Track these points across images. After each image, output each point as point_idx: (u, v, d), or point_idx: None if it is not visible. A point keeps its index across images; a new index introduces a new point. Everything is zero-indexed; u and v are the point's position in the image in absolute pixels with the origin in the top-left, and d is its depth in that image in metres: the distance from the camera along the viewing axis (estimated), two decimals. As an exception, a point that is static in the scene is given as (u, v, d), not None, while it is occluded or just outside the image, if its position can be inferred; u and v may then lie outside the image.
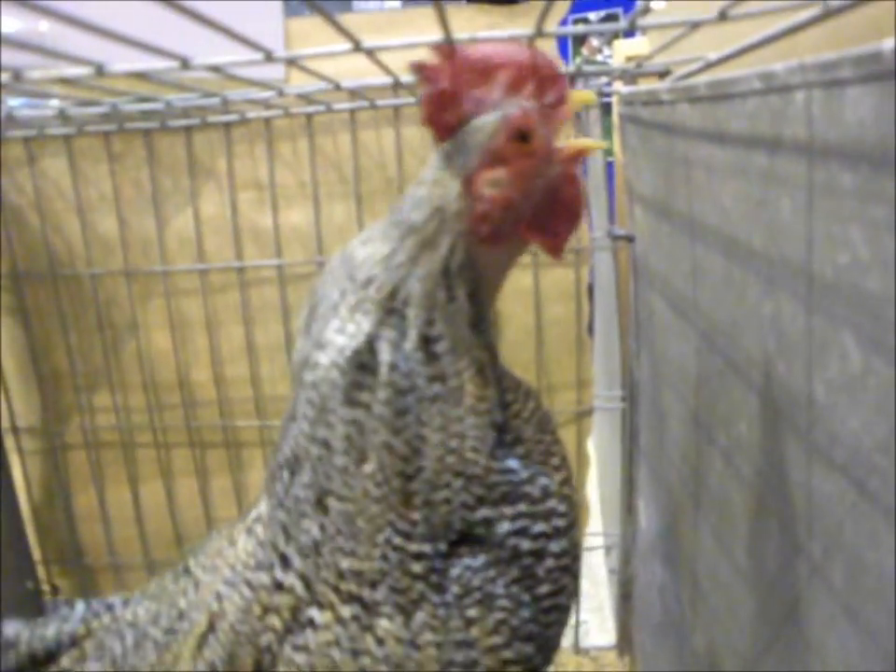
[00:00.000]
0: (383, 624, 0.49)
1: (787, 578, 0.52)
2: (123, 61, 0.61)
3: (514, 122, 0.49)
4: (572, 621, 1.27)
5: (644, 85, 0.94)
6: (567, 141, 0.52)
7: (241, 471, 1.24)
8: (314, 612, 0.50)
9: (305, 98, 1.01)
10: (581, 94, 0.53)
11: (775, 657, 0.55)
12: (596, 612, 1.39)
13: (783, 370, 0.51)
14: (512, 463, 0.51)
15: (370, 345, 0.49)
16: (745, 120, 0.54)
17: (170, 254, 1.15)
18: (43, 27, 0.88)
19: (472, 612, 0.49)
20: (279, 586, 0.52)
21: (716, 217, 0.63)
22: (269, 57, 0.60)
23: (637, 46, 0.98)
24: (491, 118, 0.49)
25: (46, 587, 1.25)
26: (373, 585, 0.49)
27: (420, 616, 0.49)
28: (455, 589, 0.49)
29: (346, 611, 0.50)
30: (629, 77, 0.95)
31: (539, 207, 0.52)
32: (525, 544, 0.50)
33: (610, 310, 1.19)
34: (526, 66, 0.49)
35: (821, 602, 0.46)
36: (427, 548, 0.49)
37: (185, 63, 0.60)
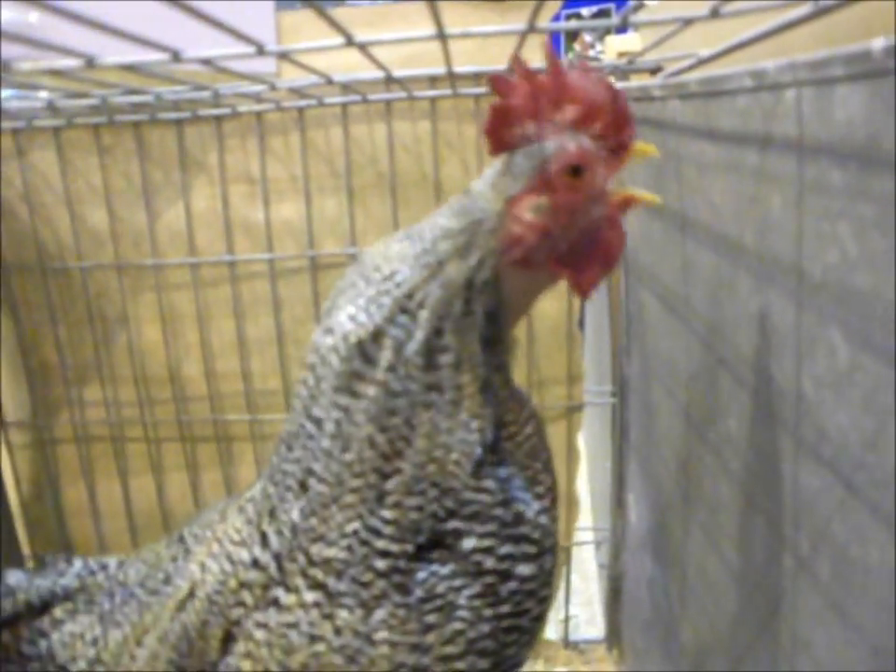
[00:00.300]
0: (343, 615, 0.50)
1: (774, 572, 0.52)
2: (113, 53, 0.60)
3: (570, 155, 0.49)
4: (562, 615, 1.28)
5: (636, 81, 0.94)
6: (622, 188, 0.52)
7: (231, 465, 1.24)
8: (280, 592, 0.52)
9: (297, 92, 1.01)
10: (645, 147, 0.52)
11: (762, 651, 0.55)
12: (586, 606, 1.39)
13: (772, 366, 0.51)
14: (490, 484, 0.51)
15: (375, 338, 0.50)
16: (736, 117, 0.55)
17: (161, 247, 1.15)
18: (32, 18, 0.88)
19: (431, 618, 0.50)
20: (255, 563, 0.53)
21: (707, 213, 0.63)
22: (261, 51, 0.60)
23: (629, 42, 0.98)
24: (549, 145, 0.50)
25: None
26: (339, 575, 0.50)
27: (380, 613, 0.50)
28: (418, 592, 0.50)
29: (310, 597, 0.51)
30: (621, 73, 0.95)
31: (575, 244, 0.52)
32: (489, 562, 0.51)
33: (601, 305, 1.20)
34: (600, 106, 0.50)
35: (808, 596, 0.46)
36: (393, 546, 0.50)
37: (176, 56, 0.60)
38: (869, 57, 0.35)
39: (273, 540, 0.53)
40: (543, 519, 0.54)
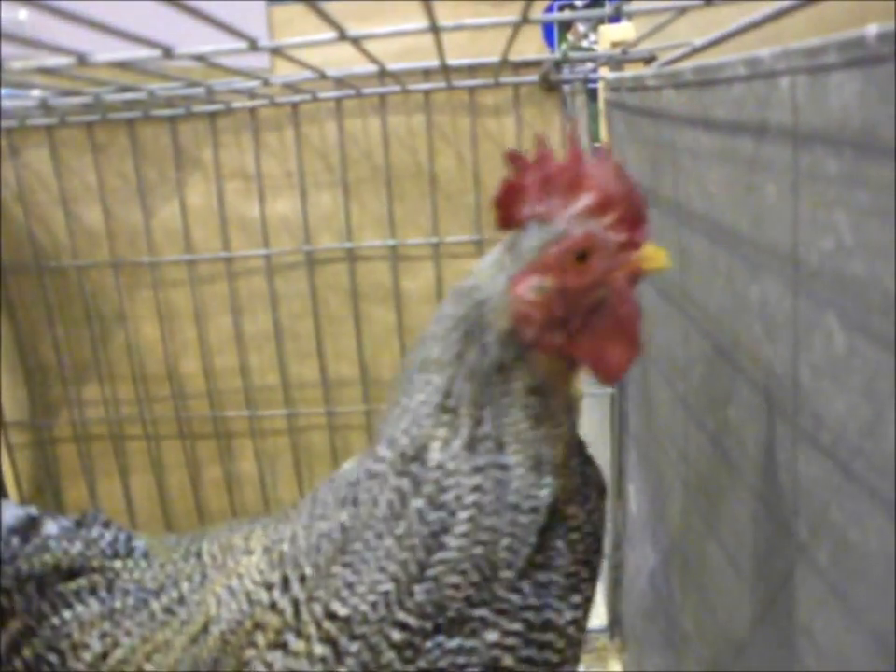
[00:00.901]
0: None
1: (774, 559, 0.52)
2: (105, 50, 0.60)
3: (575, 240, 0.49)
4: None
5: (630, 71, 0.94)
6: (630, 258, 0.50)
7: (231, 462, 1.24)
8: (290, 637, 0.52)
9: (291, 87, 1.01)
10: (656, 252, 0.50)
11: (763, 637, 0.55)
12: (588, 596, 1.40)
13: (770, 353, 0.51)
14: (525, 587, 0.51)
15: (424, 446, 0.51)
16: (730, 106, 0.54)
17: (157, 245, 1.14)
18: (22, 16, 0.87)
19: None
20: (273, 606, 0.53)
21: (702, 202, 0.63)
22: (253, 46, 0.59)
23: (623, 31, 0.98)
24: (556, 227, 0.49)
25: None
26: (352, 636, 0.50)
27: None
28: (421, 663, 0.49)
29: (319, 650, 0.51)
30: (615, 63, 0.95)
31: (588, 325, 0.51)
32: (508, 660, 0.50)
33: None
34: (614, 200, 0.49)
35: (808, 582, 0.47)
36: (412, 620, 0.50)
37: (168, 52, 0.59)
38: (863, 43, 0.35)
39: (295, 586, 0.53)
40: (572, 630, 0.52)
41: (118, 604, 0.62)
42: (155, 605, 0.60)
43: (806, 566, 0.47)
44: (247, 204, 1.13)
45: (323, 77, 0.91)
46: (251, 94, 1.03)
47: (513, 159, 0.51)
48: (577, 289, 0.50)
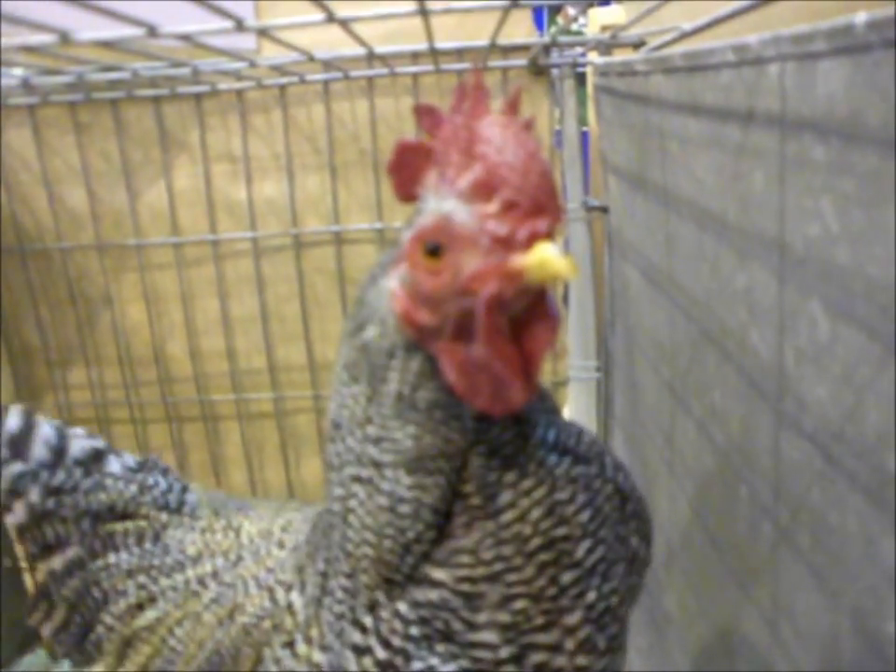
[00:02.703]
0: None
1: (756, 542, 0.53)
2: (88, 28, 0.59)
3: (420, 231, 0.39)
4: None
5: (619, 56, 0.93)
6: (505, 261, 0.37)
7: (218, 445, 1.24)
8: (299, 637, 0.51)
9: (278, 69, 1.00)
10: (550, 259, 0.35)
11: (744, 617, 0.56)
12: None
13: (755, 339, 0.52)
14: (490, 637, 0.42)
15: (347, 426, 0.48)
16: (719, 92, 0.54)
17: (143, 227, 1.13)
18: (3, -8, 0.85)
19: None
20: (290, 607, 0.53)
21: (690, 188, 0.64)
22: (240, 26, 0.59)
23: (613, 15, 0.98)
24: (424, 207, 0.40)
25: (24, 564, 1.25)
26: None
27: None
28: None
29: (316, 657, 0.49)
30: (604, 47, 0.95)
31: (462, 345, 0.40)
32: None
33: (585, 281, 1.20)
34: (504, 176, 0.37)
35: (789, 564, 0.47)
36: (395, 641, 0.45)
37: (153, 31, 0.58)
38: (852, 31, 0.35)
39: (310, 590, 0.52)
40: (583, 659, 0.44)
41: (155, 561, 0.62)
42: (190, 573, 0.61)
43: (788, 548, 0.48)
44: (234, 187, 1.12)
45: (310, 59, 0.90)
46: (238, 76, 1.02)
47: (424, 114, 0.40)
48: (431, 292, 0.39)
